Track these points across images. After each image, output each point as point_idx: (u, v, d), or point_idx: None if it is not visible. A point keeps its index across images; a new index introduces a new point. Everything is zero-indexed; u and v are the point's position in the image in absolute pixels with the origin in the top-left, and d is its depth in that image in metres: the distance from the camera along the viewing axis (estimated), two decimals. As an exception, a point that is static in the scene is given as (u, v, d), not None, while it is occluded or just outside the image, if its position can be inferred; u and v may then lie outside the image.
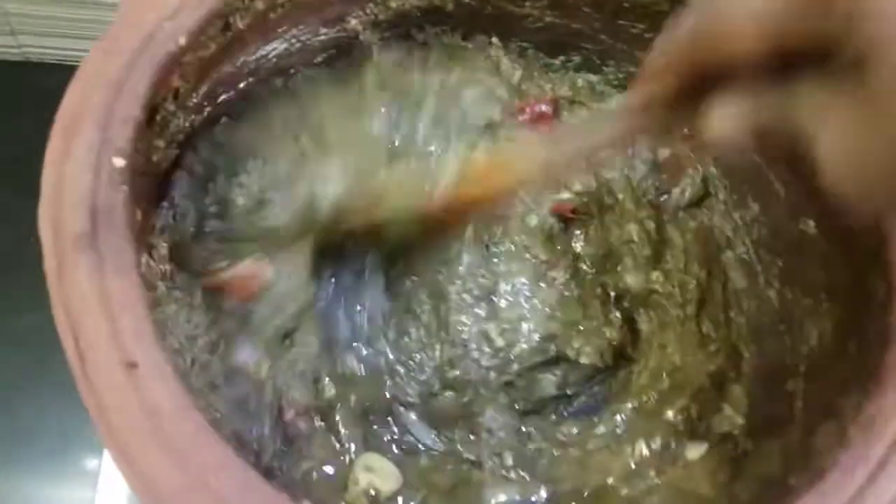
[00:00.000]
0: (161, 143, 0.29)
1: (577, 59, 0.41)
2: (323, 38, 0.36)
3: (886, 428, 0.25)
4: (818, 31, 0.17)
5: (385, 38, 0.37)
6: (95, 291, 0.21)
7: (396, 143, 0.38)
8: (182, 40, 0.27)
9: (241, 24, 0.32)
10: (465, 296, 0.39)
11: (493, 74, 0.40)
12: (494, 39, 0.40)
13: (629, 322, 0.39)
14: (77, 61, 0.26)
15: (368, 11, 0.36)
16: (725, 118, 0.21)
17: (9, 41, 0.60)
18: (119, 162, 0.24)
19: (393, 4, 0.36)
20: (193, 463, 0.19)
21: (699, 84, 0.21)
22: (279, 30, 0.34)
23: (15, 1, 0.56)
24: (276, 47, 0.35)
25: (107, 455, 0.39)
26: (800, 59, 0.18)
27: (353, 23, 0.36)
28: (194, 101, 0.32)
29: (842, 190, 0.19)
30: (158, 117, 0.28)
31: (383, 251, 0.36)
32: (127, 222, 0.23)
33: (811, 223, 0.34)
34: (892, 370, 0.26)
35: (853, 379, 0.28)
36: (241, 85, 0.35)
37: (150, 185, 0.28)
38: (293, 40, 0.36)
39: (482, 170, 0.33)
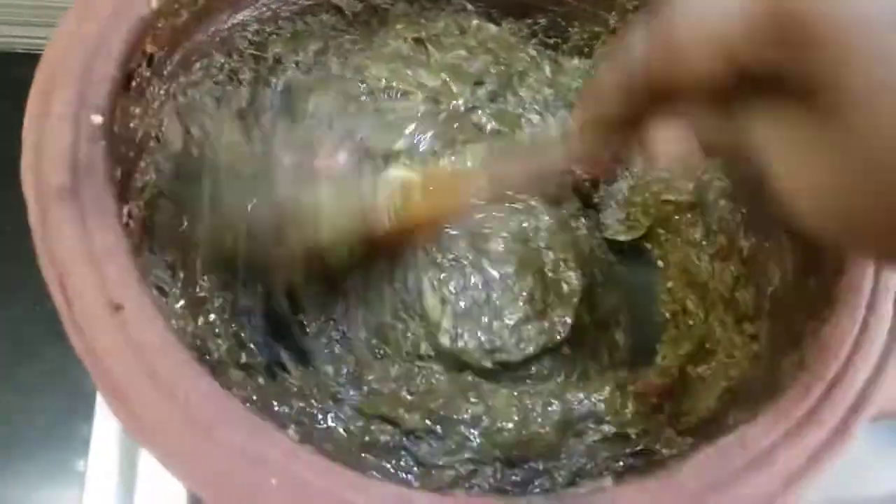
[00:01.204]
0: (138, 110, 0.30)
1: (542, 21, 0.42)
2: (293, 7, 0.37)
3: (840, 350, 0.26)
4: (775, 58, 0.17)
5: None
6: (79, 240, 0.22)
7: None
8: (154, 4, 0.28)
9: (211, -9, 0.32)
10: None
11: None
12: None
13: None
14: (42, 50, 0.26)
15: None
16: (671, 140, 0.21)
17: (-24, 31, 0.59)
18: (97, 119, 0.24)
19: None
20: (179, 394, 0.20)
21: (648, 105, 0.21)
22: (250, -2, 0.35)
23: (-21, -10, 0.55)
24: (247, 16, 0.36)
25: (93, 453, 0.40)
26: (753, 84, 0.18)
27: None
28: (169, 68, 0.32)
29: (806, 224, 0.18)
30: (134, 83, 0.29)
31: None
32: (107, 175, 0.24)
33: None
34: (844, 296, 0.27)
35: (813, 310, 0.29)
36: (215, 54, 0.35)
37: (129, 149, 0.29)
38: (263, 9, 0.36)
39: (424, 190, 0.32)
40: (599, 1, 0.40)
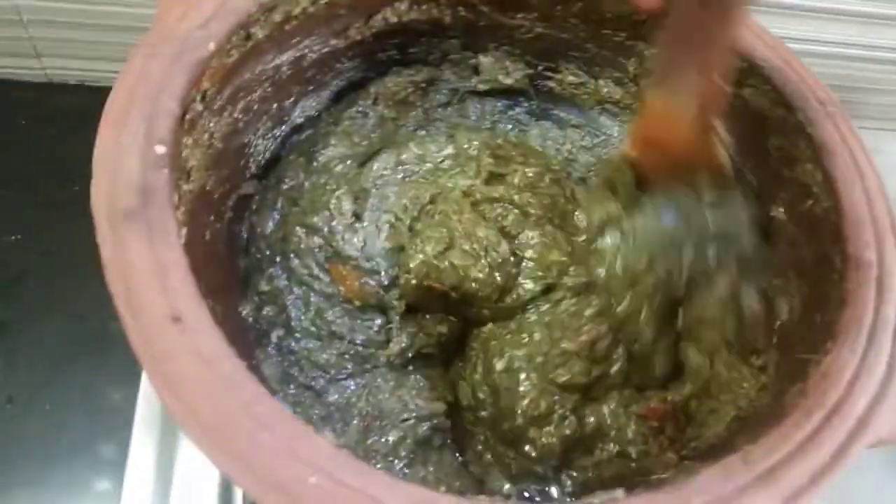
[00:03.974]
0: (189, 141, 0.33)
1: (567, 66, 0.44)
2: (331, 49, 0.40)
3: (841, 379, 0.28)
4: None
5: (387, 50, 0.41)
6: (145, 257, 0.24)
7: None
8: (212, 46, 0.31)
9: (260, 35, 0.35)
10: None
11: None
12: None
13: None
14: (95, 81, 0.29)
15: (371, 23, 0.39)
16: None
17: (33, 63, 0.63)
18: (160, 149, 0.27)
19: (393, 18, 0.40)
20: (233, 398, 0.22)
21: None
22: (293, 40, 0.38)
23: (39, 26, 0.59)
24: (290, 57, 0.39)
25: (132, 460, 0.41)
26: None
27: (355, 33, 0.39)
28: (219, 103, 0.35)
29: None
30: (188, 116, 0.32)
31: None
32: (168, 200, 0.26)
33: (781, 210, 0.37)
34: (846, 328, 0.29)
35: (817, 343, 0.31)
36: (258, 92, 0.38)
37: (181, 176, 0.32)
38: (305, 50, 0.39)
39: None
40: (619, 48, 0.42)
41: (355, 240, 0.41)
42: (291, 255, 0.40)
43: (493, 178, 0.45)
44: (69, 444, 0.46)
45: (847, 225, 0.32)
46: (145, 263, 0.24)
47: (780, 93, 0.36)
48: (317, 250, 0.40)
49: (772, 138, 0.38)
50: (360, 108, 0.44)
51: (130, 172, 0.26)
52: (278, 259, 0.40)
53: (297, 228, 0.41)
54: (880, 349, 0.29)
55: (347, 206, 0.41)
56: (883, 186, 0.34)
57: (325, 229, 0.41)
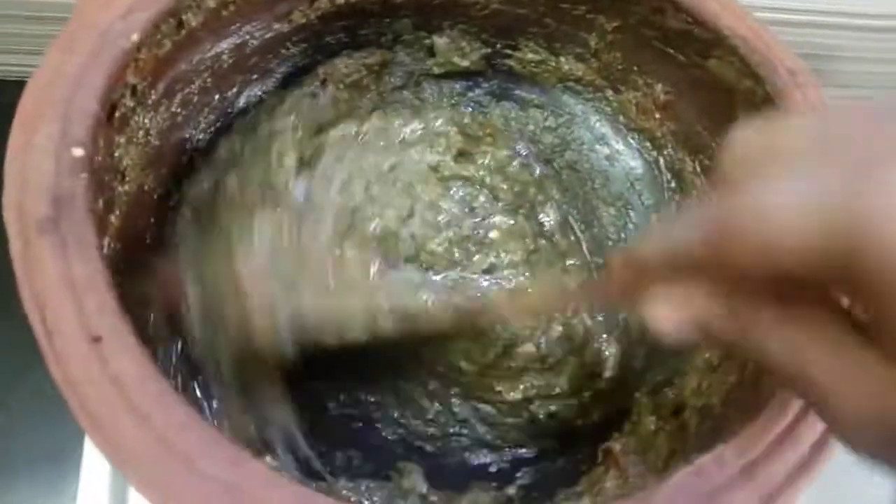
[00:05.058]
0: (122, 140, 0.31)
1: (527, 43, 0.42)
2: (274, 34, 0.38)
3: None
4: (825, 270, 0.15)
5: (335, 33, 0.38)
6: (59, 272, 0.22)
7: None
8: (135, 37, 0.28)
9: (194, 22, 0.33)
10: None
11: None
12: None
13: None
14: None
15: (316, 5, 0.37)
16: (675, 312, 0.19)
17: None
18: (78, 152, 0.25)
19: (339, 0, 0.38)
20: (158, 424, 0.20)
21: (679, 278, 0.20)
22: (232, 27, 0.36)
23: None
24: (230, 44, 0.36)
25: (85, 473, 0.40)
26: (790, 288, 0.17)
27: (299, 17, 0.37)
28: (153, 98, 0.33)
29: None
30: (118, 113, 0.30)
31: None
32: (87, 208, 0.24)
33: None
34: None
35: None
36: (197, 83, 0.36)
37: (113, 178, 0.30)
38: (247, 36, 0.37)
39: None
40: (578, 22, 0.40)
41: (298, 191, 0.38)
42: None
43: (462, 156, 0.43)
44: (28, 458, 0.45)
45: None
46: (60, 279, 0.22)
47: (746, 63, 0.35)
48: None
49: (740, 111, 0.36)
50: (310, 90, 0.41)
51: (44, 178, 0.24)
52: None
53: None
54: (859, 331, 0.27)
55: (291, 162, 0.39)
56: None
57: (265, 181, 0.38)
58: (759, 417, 0.25)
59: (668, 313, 0.19)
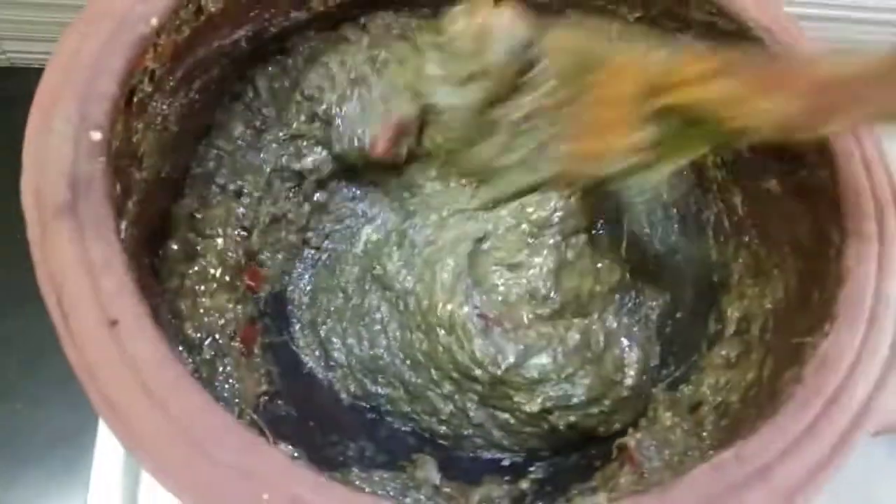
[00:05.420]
0: (140, 125, 0.30)
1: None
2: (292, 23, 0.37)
3: (840, 364, 0.26)
4: None
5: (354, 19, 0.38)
6: (76, 256, 0.22)
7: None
8: (154, 21, 0.28)
9: (213, 8, 0.33)
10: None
11: None
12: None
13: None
14: None
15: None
16: None
17: (-8, 48, 0.60)
18: (96, 135, 0.25)
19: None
20: (173, 409, 0.20)
21: None
22: (251, 13, 0.35)
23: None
24: (248, 31, 0.36)
25: (98, 458, 0.40)
26: None
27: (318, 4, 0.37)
28: (171, 83, 0.33)
29: None
30: (136, 98, 0.29)
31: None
32: (106, 192, 0.24)
33: (774, 182, 0.35)
34: (845, 308, 0.27)
35: (815, 324, 0.29)
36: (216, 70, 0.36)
37: (131, 163, 0.29)
38: (265, 23, 0.37)
39: None
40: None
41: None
42: None
43: None
44: (43, 443, 0.45)
45: (844, 196, 0.30)
46: (77, 263, 0.22)
47: (769, 55, 0.34)
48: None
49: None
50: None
51: (62, 162, 0.24)
52: None
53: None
54: (882, 330, 0.27)
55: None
56: (884, 155, 0.31)
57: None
58: (778, 415, 0.24)
59: None
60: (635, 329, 0.41)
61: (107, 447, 0.39)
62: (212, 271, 0.35)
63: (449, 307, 0.40)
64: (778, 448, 0.23)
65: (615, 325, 0.41)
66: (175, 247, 0.33)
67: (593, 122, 0.33)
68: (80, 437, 0.43)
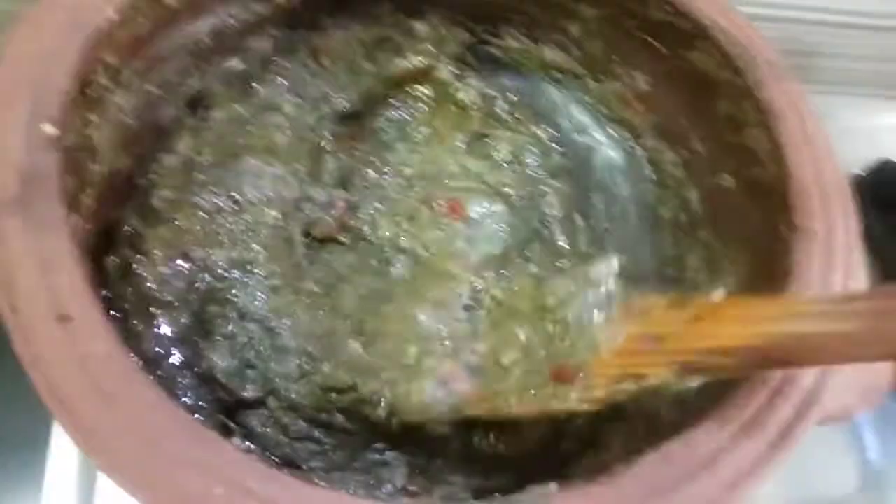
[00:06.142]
0: (96, 118, 0.30)
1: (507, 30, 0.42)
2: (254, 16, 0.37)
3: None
4: None
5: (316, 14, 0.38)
6: (27, 251, 0.22)
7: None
8: (110, 13, 0.28)
9: (172, 1, 0.32)
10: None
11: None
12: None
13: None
14: None
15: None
16: None
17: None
18: (49, 129, 0.24)
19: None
20: (124, 404, 0.20)
21: None
22: (212, 6, 0.35)
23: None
24: (209, 25, 0.36)
25: (52, 458, 0.40)
26: None
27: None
28: (128, 77, 0.32)
29: None
30: (91, 91, 0.29)
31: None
32: (58, 186, 0.24)
33: (728, 178, 0.36)
34: (792, 301, 0.28)
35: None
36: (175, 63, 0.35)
37: (87, 156, 0.29)
38: (227, 17, 0.36)
39: None
40: (558, 9, 0.40)
41: None
42: None
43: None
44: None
45: (793, 193, 0.31)
46: (28, 258, 0.22)
47: (727, 55, 0.35)
48: None
49: (719, 103, 0.36)
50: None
51: (13, 156, 0.24)
52: None
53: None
54: (827, 322, 0.27)
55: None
56: (833, 153, 0.32)
57: None
58: (725, 406, 0.25)
59: None
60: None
61: (61, 447, 0.38)
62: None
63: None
64: (724, 438, 0.24)
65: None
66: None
67: None
68: (33, 437, 0.42)
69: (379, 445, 0.34)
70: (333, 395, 0.34)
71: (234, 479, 0.20)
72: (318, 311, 0.36)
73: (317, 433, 0.34)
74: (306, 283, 0.36)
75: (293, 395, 0.34)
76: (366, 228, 0.39)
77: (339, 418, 0.34)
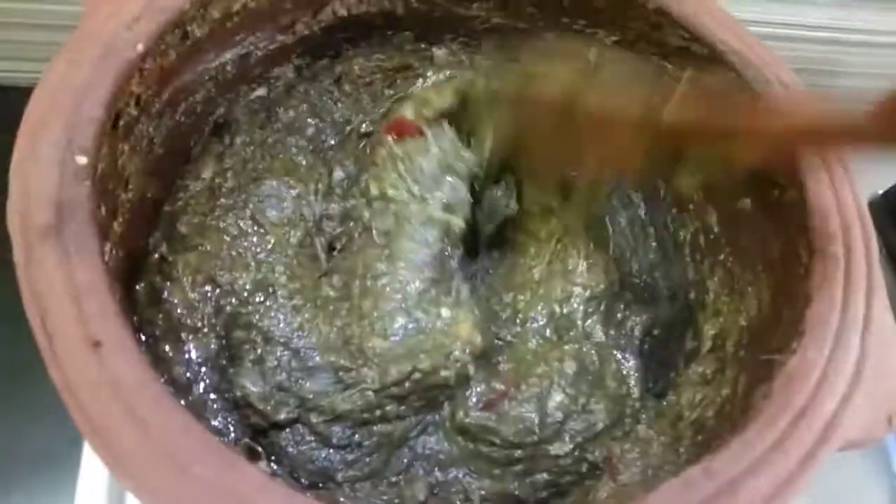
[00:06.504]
0: (126, 148, 0.31)
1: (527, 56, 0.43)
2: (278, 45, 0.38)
3: (807, 380, 0.27)
4: None
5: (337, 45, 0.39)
6: (61, 278, 0.23)
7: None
8: (140, 47, 0.29)
9: (198, 33, 0.33)
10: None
11: None
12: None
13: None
14: None
15: (319, 17, 0.38)
16: None
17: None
18: (82, 160, 0.25)
19: (343, 12, 0.38)
20: (154, 428, 0.21)
21: None
22: (236, 37, 0.36)
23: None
24: (234, 55, 0.37)
25: (82, 479, 0.40)
26: None
27: (302, 28, 0.37)
28: (157, 107, 0.33)
29: None
30: (122, 122, 0.30)
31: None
32: (91, 215, 0.24)
33: (747, 201, 0.36)
34: (812, 326, 0.28)
35: (784, 341, 0.29)
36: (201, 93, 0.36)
37: (117, 185, 0.30)
38: (251, 47, 0.37)
39: None
40: (579, 37, 0.41)
41: None
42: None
43: None
44: (28, 465, 0.45)
45: (812, 216, 0.31)
46: (62, 285, 0.23)
47: (741, 77, 0.35)
48: None
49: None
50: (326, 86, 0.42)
51: (47, 186, 0.24)
52: None
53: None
54: (848, 347, 0.28)
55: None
56: (850, 174, 0.32)
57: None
58: (747, 431, 0.25)
59: None
60: (622, 342, 0.41)
61: (91, 468, 0.39)
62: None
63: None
64: (745, 463, 0.24)
65: (603, 338, 0.41)
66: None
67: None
68: (64, 458, 0.43)
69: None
70: (395, 389, 0.35)
71: (259, 503, 0.20)
72: (337, 318, 0.37)
73: (358, 436, 0.35)
74: (324, 290, 0.37)
75: (338, 407, 0.34)
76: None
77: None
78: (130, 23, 0.29)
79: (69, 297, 0.22)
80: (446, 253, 0.38)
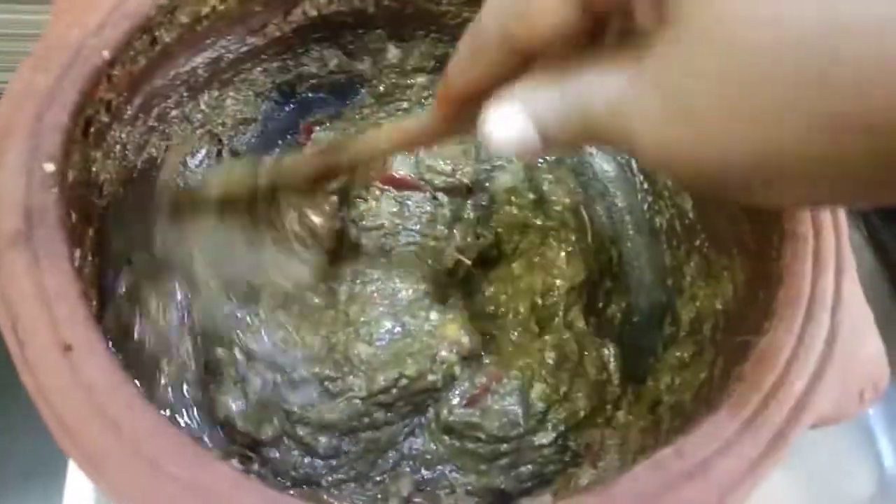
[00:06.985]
0: (98, 154, 0.31)
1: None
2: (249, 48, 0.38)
3: (777, 360, 0.27)
4: None
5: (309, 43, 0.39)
6: (31, 284, 0.23)
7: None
8: (106, 54, 0.29)
9: (167, 38, 0.34)
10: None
11: None
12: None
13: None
14: None
15: (290, 18, 0.38)
16: (508, 124, 0.20)
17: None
18: (49, 167, 0.25)
19: (313, 12, 0.38)
20: (126, 430, 0.21)
21: (502, 71, 0.20)
22: (207, 41, 0.36)
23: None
24: (205, 58, 0.37)
25: (69, 488, 0.40)
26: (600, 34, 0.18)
27: (273, 30, 0.37)
28: (129, 112, 0.33)
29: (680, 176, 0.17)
30: (93, 128, 0.30)
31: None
32: (60, 221, 0.25)
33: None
34: (782, 307, 0.28)
35: (757, 323, 0.30)
36: (173, 97, 0.36)
37: (90, 192, 0.30)
38: (222, 50, 0.37)
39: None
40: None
41: None
42: None
43: None
44: (15, 475, 0.45)
45: (782, 199, 0.31)
46: (32, 290, 0.23)
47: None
48: None
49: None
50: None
51: (16, 193, 0.25)
52: None
53: None
54: (818, 326, 0.28)
55: None
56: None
57: None
58: (720, 411, 0.25)
59: (507, 118, 0.19)
60: (602, 330, 0.41)
61: (78, 477, 0.39)
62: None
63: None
64: (716, 444, 0.24)
65: (584, 326, 0.41)
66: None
67: None
68: (52, 467, 0.43)
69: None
70: (382, 397, 0.35)
71: (233, 501, 0.21)
72: (321, 326, 0.37)
73: (345, 445, 0.35)
74: (308, 299, 0.37)
75: (325, 417, 0.35)
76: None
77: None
78: (96, 29, 0.29)
79: (39, 302, 0.23)
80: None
